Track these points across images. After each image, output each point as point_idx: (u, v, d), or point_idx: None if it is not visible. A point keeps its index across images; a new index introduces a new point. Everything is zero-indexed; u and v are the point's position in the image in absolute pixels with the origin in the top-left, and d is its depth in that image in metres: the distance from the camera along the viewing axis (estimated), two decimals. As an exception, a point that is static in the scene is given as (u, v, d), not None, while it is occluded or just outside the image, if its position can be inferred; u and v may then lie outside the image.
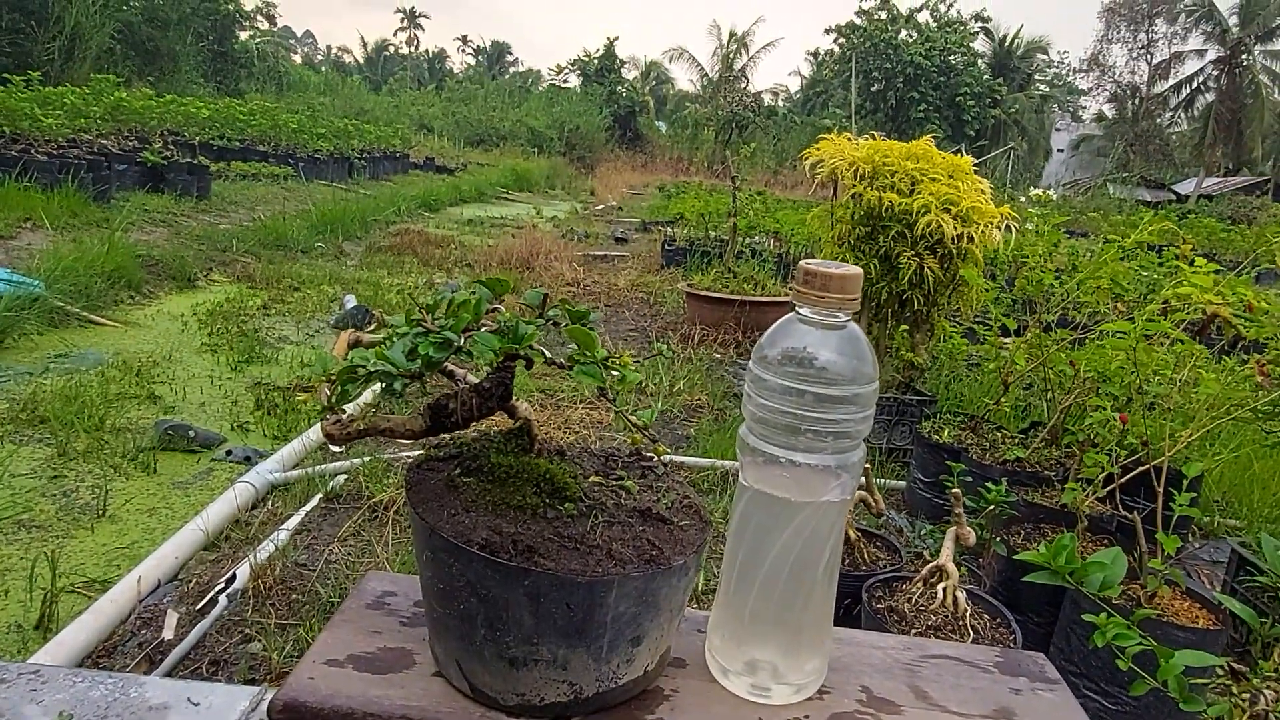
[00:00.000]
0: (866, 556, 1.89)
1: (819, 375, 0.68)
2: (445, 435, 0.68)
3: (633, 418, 0.68)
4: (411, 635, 0.74)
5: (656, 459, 0.73)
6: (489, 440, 0.73)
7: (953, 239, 3.93)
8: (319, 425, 0.64)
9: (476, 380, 0.68)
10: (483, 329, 0.63)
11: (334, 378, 0.61)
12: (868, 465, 1.92)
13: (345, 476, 3.18)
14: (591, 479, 0.74)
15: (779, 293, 6.74)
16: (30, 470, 3.20)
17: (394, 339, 0.63)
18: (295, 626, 2.21)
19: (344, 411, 0.63)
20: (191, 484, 3.30)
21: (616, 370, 0.65)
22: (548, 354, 0.65)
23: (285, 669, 2.00)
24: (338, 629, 0.73)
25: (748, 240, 8.79)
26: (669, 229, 11.30)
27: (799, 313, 0.71)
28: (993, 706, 0.78)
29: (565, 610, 0.63)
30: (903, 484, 3.63)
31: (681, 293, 7.11)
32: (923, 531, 2.93)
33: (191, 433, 3.60)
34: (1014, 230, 4.11)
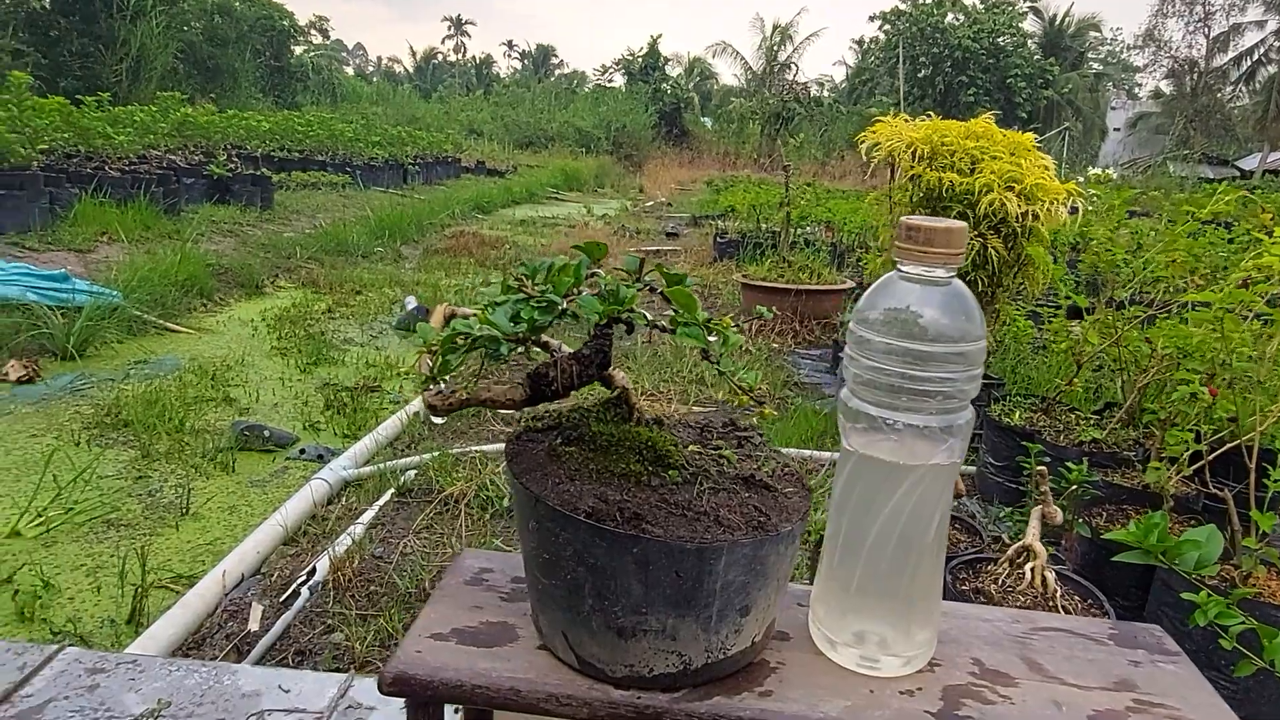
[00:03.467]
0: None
1: (923, 334, 0.66)
2: (542, 406, 0.68)
3: (739, 380, 0.66)
4: (512, 610, 0.74)
5: (758, 417, 0.71)
6: (587, 410, 0.72)
7: (1017, 217, 3.81)
8: (424, 397, 0.64)
9: (571, 351, 0.68)
10: (583, 293, 0.62)
11: (435, 348, 0.61)
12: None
13: (415, 471, 3.23)
14: (690, 448, 0.73)
15: (834, 281, 6.65)
16: (116, 471, 3.33)
17: (493, 307, 0.63)
18: (375, 617, 2.25)
19: (445, 382, 0.64)
20: (268, 482, 3.40)
21: (718, 332, 0.64)
22: (649, 316, 0.65)
23: (369, 658, 2.04)
24: (439, 604, 0.73)
25: (799, 230, 8.68)
26: (720, 222, 11.23)
27: (901, 270, 0.69)
28: (1112, 679, 0.74)
29: (674, 578, 0.62)
30: (972, 469, 3.54)
31: (736, 284, 7.06)
32: (999, 515, 2.85)
33: (266, 433, 3.70)
34: (1079, 207, 3.97)
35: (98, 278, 5.84)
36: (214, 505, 3.12)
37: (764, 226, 9.70)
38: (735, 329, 0.65)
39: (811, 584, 0.77)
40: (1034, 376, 4.40)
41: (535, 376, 0.66)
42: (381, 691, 0.64)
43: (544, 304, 0.61)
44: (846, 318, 5.73)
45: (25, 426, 3.73)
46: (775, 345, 5.85)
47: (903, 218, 0.68)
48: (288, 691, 1.61)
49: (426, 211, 11.76)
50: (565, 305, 0.61)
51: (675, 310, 0.63)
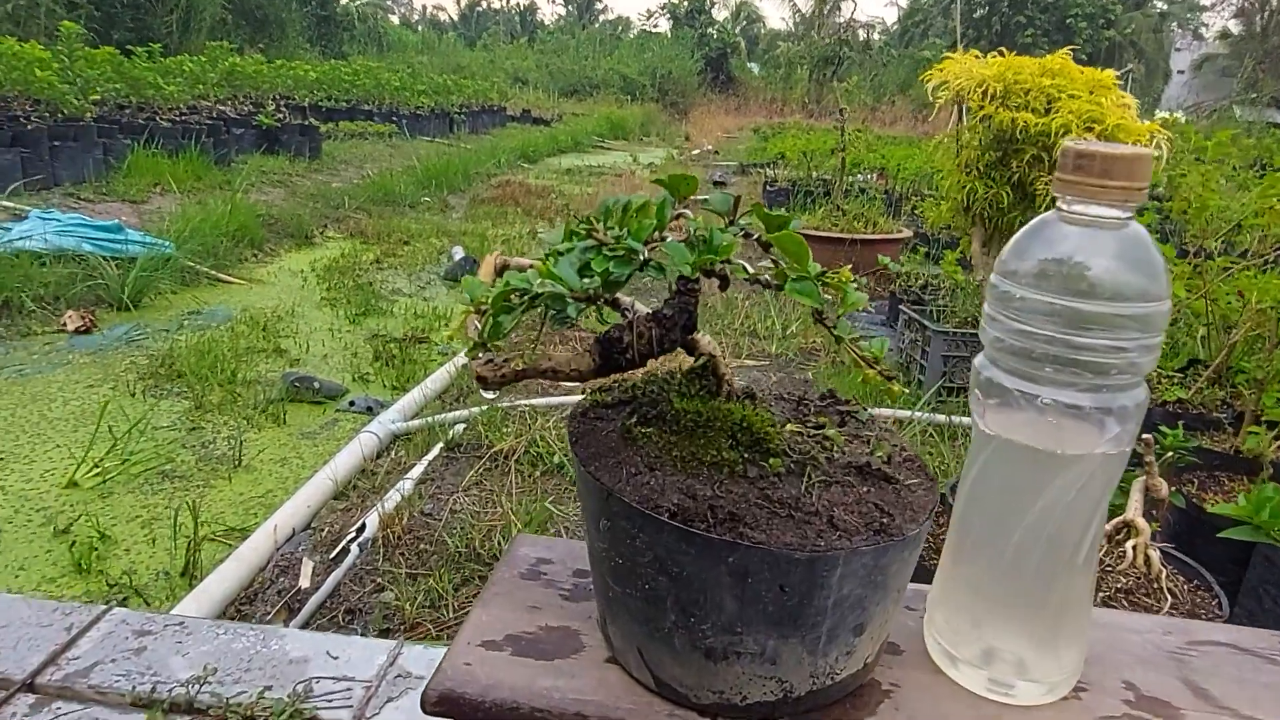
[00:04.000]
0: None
1: (1091, 291, 0.52)
2: (614, 377, 0.57)
3: (860, 349, 0.54)
4: (575, 612, 0.63)
5: (888, 397, 0.57)
6: (667, 382, 0.61)
7: (1101, 159, 3.55)
8: (472, 366, 0.53)
9: (649, 310, 0.56)
10: (668, 239, 0.50)
11: (485, 307, 0.50)
12: (1146, 436, 1.72)
13: (464, 426, 3.18)
14: (788, 427, 0.61)
15: (891, 230, 6.39)
16: (170, 423, 3.34)
17: (556, 256, 0.51)
18: (425, 576, 2.20)
19: (498, 348, 0.52)
20: (319, 434, 3.38)
21: (835, 287, 0.51)
22: (750, 268, 0.52)
23: (418, 619, 2.00)
24: (491, 604, 0.63)
25: (852, 178, 8.36)
26: (769, 170, 10.91)
27: (1064, 210, 0.55)
28: (1294, 710, 0.62)
29: (778, 593, 0.50)
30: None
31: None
32: None
33: (316, 384, 3.68)
34: (1164, 149, 3.68)
35: (151, 228, 5.89)
36: (265, 457, 3.12)
37: (815, 174, 9.37)
38: (855, 284, 0.53)
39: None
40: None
41: (606, 342, 0.55)
42: (425, 711, 0.55)
43: (620, 253, 0.49)
44: (899, 267, 5.47)
45: (82, 377, 3.77)
46: (829, 297, 5.64)
47: (1068, 143, 0.54)
48: (336, 658, 1.56)
49: (473, 161, 11.67)
50: (646, 255, 0.49)
51: (778, 261, 0.51)
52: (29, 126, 6.46)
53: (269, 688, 1.51)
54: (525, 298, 0.49)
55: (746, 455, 0.56)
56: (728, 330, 4.67)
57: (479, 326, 0.51)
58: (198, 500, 2.79)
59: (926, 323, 3.58)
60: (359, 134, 12.75)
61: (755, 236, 0.54)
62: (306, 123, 10.51)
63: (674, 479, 0.54)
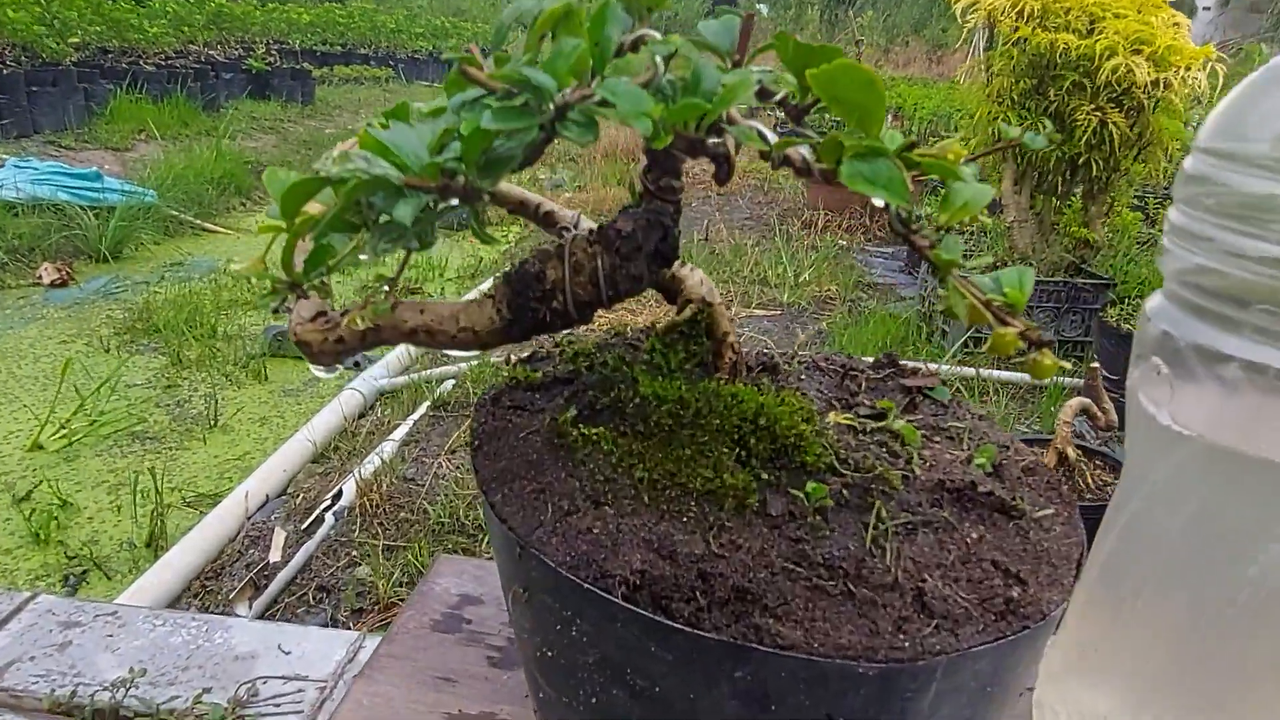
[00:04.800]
0: (1090, 481, 1.50)
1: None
2: (543, 339, 0.35)
3: (980, 291, 0.31)
4: (508, 688, 0.42)
5: (1031, 365, 0.32)
6: (634, 348, 0.39)
7: (1144, 87, 3.24)
8: (291, 327, 0.32)
9: (596, 226, 0.33)
10: (615, 80, 0.27)
11: (297, 225, 0.28)
12: (1095, 364, 1.49)
13: (453, 382, 2.98)
14: (832, 420, 0.39)
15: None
16: (145, 380, 3.17)
17: (403, 122, 0.29)
18: (404, 549, 2.02)
19: (325, 293, 0.31)
20: (302, 391, 3.21)
21: (936, 169, 0.29)
22: (771, 135, 0.30)
23: (393, 599, 1.81)
24: (381, 672, 0.43)
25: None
26: (777, 113, 10.54)
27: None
28: None
29: (826, 724, 0.29)
30: (1078, 381, 3.13)
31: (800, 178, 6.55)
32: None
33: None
34: (1220, 76, 3.37)
35: (134, 176, 5.66)
36: (244, 416, 2.94)
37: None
38: (977, 172, 0.30)
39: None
40: (1147, 276, 3.88)
41: (519, 281, 0.33)
42: None
43: (514, 102, 0.27)
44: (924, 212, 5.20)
45: (56, 332, 3.59)
46: (843, 243, 5.37)
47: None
48: (288, 653, 1.36)
49: (473, 105, 11.33)
50: (566, 99, 0.27)
51: (828, 130, 0.28)
52: (4, 71, 6.18)
53: (208, 690, 1.31)
54: (349, 191, 0.27)
55: (765, 476, 0.33)
56: (735, 278, 4.43)
57: (291, 257, 0.30)
58: (169, 464, 2.62)
59: (951, 267, 3.33)
60: (354, 79, 12.39)
61: (781, 98, 0.32)
62: (299, 67, 10.17)
63: (637, 521, 0.32)
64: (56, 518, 2.28)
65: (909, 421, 0.40)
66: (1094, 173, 3.40)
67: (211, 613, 1.91)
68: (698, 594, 0.30)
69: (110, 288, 4.22)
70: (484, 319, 0.33)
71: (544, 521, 0.32)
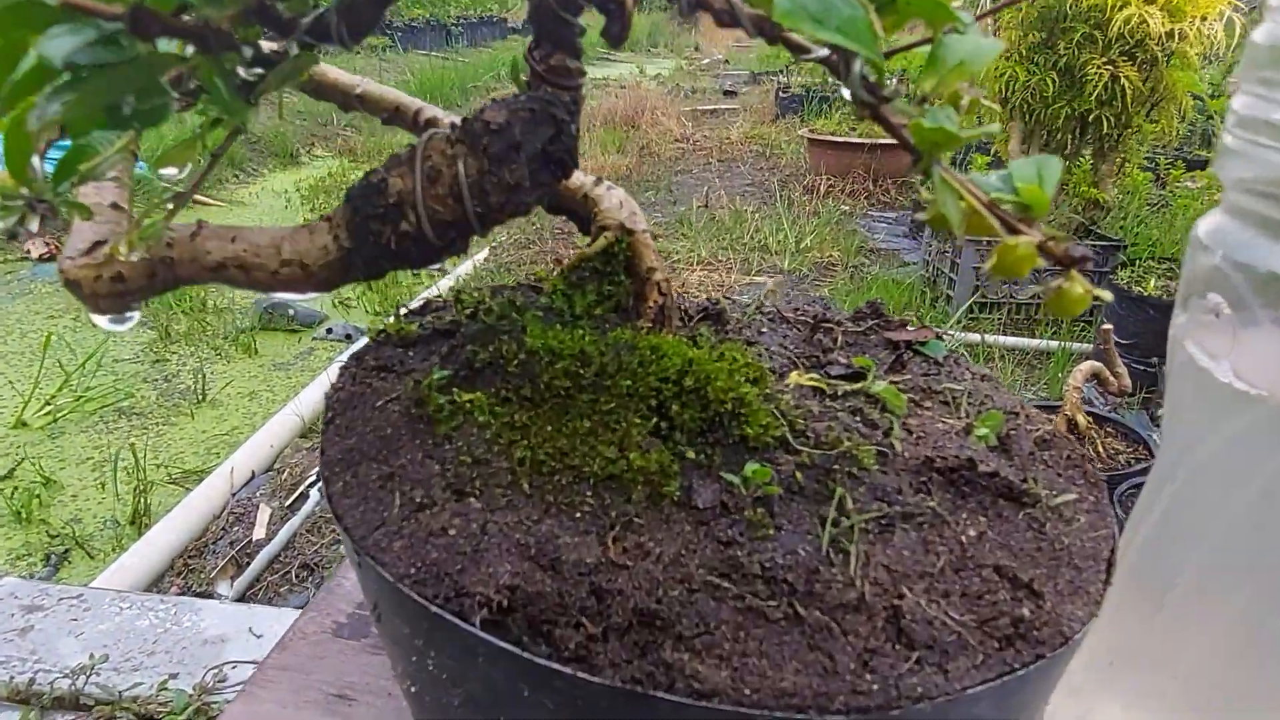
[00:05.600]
0: (1102, 450, 1.43)
1: None
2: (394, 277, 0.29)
3: (978, 189, 0.23)
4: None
5: (1055, 298, 0.24)
6: (532, 290, 0.32)
7: (1158, 39, 3.12)
8: (63, 266, 0.25)
9: (452, 122, 0.26)
10: None
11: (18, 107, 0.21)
12: (1106, 325, 1.42)
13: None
14: (793, 381, 0.31)
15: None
16: (133, 355, 3.12)
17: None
18: (389, 525, 1.96)
19: (85, 214, 0.24)
20: (292, 365, 3.16)
21: (902, 4, 0.21)
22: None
23: (377, 577, 1.77)
24: (268, 686, 0.36)
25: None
26: (782, 78, 10.36)
27: None
28: None
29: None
30: (1087, 347, 3.05)
31: (801, 141, 6.43)
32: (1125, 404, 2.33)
33: (291, 311, 3.45)
34: (1238, 23, 3.24)
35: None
36: (233, 391, 2.89)
37: (831, 80, 8.81)
38: (973, 23, 0.23)
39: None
40: (1159, 238, 3.77)
41: (359, 194, 0.26)
42: None
43: None
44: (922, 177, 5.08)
45: (44, 307, 3.54)
46: (845, 208, 5.27)
47: None
48: (260, 636, 1.31)
49: (471, 74, 11.15)
50: None
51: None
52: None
53: (174, 675, 1.27)
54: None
55: (692, 455, 0.26)
56: (736, 245, 4.34)
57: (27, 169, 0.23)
58: (156, 440, 2.58)
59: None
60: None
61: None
62: (292, 35, 10.04)
63: (511, 518, 0.25)
64: (39, 496, 2.24)
65: (893, 383, 0.33)
66: (1104, 130, 3.28)
67: (194, 592, 1.87)
68: (588, 619, 0.23)
69: (99, 262, 4.16)
70: (315, 248, 0.26)
71: (388, 519, 0.25)
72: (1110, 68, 3.10)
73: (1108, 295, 0.25)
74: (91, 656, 1.22)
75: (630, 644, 0.23)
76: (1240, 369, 0.31)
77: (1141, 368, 2.61)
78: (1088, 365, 1.33)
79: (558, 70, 0.26)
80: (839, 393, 0.32)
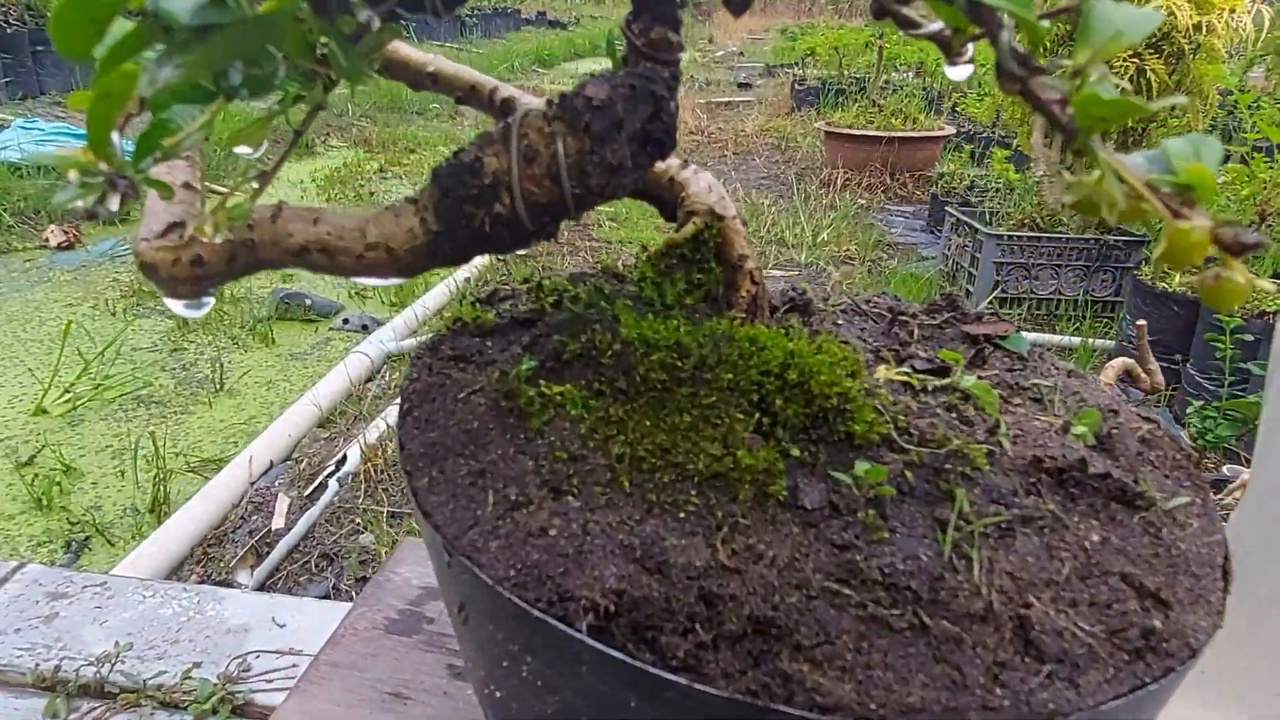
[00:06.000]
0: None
1: None
2: (483, 262, 0.27)
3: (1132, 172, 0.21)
4: (471, 704, 0.35)
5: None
6: (616, 278, 0.31)
7: (1185, 31, 3.07)
8: (137, 247, 0.24)
9: (551, 99, 0.24)
10: None
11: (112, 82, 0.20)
12: (1140, 321, 1.39)
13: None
14: (882, 376, 0.30)
15: (931, 127, 5.88)
16: (151, 344, 3.14)
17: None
18: (408, 516, 1.96)
19: (167, 193, 0.23)
20: (309, 355, 3.17)
21: None
22: None
23: (396, 567, 1.76)
24: (322, 684, 0.35)
25: (886, 77, 7.77)
26: (797, 70, 10.29)
27: None
28: None
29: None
30: (1109, 343, 3.01)
31: (818, 134, 6.38)
32: (1200, 412, 2.22)
33: (308, 301, 3.46)
34: (1266, 16, 3.19)
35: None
36: (250, 380, 2.90)
37: (847, 72, 8.75)
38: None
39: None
40: (1181, 232, 3.71)
41: (450, 177, 0.25)
42: None
43: None
44: (946, 169, 5.03)
45: (62, 295, 3.56)
46: (863, 201, 5.23)
47: None
48: (283, 626, 1.31)
49: (485, 65, 11.15)
50: None
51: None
52: (9, 31, 6.09)
53: (198, 664, 1.27)
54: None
55: (797, 453, 0.24)
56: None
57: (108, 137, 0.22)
58: (174, 428, 2.60)
59: (978, 225, 3.20)
60: (365, 38, 12.26)
61: None
62: (307, 25, 10.07)
63: (613, 518, 0.24)
64: (59, 483, 2.26)
65: (981, 378, 0.31)
66: (1128, 124, 3.24)
67: (213, 581, 1.87)
68: (699, 625, 0.21)
69: (117, 250, 4.18)
70: (402, 231, 0.25)
71: (481, 517, 0.24)
72: (1136, 60, 3.06)
73: (1270, 286, 0.23)
74: (116, 644, 1.22)
75: (744, 653, 0.22)
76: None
77: (1165, 364, 2.58)
78: (1119, 362, 1.31)
79: (658, 44, 0.25)
80: (929, 387, 0.30)
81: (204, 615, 1.33)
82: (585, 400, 0.26)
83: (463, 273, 3.60)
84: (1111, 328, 3.14)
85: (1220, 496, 1.21)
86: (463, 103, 0.30)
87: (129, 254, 4.04)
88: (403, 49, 0.39)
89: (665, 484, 0.25)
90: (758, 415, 0.26)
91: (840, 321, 0.35)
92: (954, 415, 0.29)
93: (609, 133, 0.23)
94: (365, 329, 3.36)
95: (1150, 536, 0.27)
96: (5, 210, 4.19)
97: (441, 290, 3.52)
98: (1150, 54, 3.11)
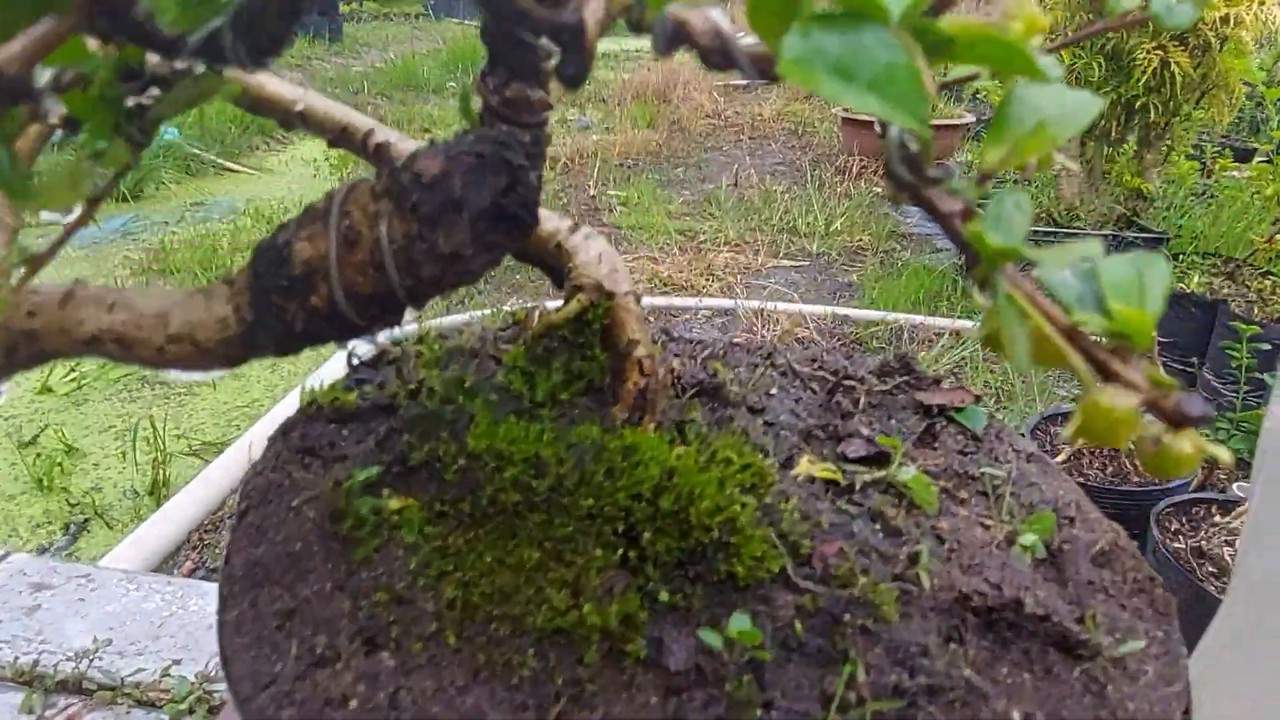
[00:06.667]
0: (1141, 463, 1.36)
1: None
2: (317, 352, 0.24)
3: (1053, 306, 0.18)
4: None
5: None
6: (493, 358, 0.27)
7: (1212, 23, 2.98)
8: None
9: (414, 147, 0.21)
10: None
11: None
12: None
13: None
14: (803, 471, 0.26)
15: (952, 114, 5.77)
16: (157, 324, 3.15)
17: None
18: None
19: None
20: (299, 356, 3.18)
21: (962, 48, 0.16)
22: None
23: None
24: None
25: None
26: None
27: None
28: None
29: None
30: (1123, 343, 2.95)
31: (835, 120, 6.28)
32: (1213, 425, 2.19)
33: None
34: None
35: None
36: (255, 363, 2.90)
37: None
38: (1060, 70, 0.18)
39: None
40: (1203, 230, 3.64)
41: (266, 257, 0.22)
42: None
43: None
44: (965, 158, 4.94)
45: (73, 272, 3.57)
46: (879, 190, 5.15)
47: None
48: (266, 622, 1.30)
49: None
50: None
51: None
52: (25, 3, 6.11)
53: (177, 661, 1.26)
54: None
55: (666, 597, 0.21)
56: (764, 226, 4.26)
57: None
58: (178, 410, 2.60)
59: (992, 219, 3.13)
60: (383, 15, 12.21)
61: None
62: (327, 2, 10.00)
63: (429, 684, 0.20)
64: (60, 464, 2.27)
65: (923, 468, 0.28)
66: (1152, 118, 3.15)
67: (207, 569, 1.87)
68: None
69: (130, 227, 4.20)
70: (212, 321, 0.22)
71: (280, 674, 0.21)
72: (1160, 53, 2.97)
73: (1225, 455, 0.20)
74: (95, 640, 1.22)
75: None
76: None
77: (1181, 368, 2.53)
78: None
79: (516, 103, 0.22)
80: (857, 485, 0.27)
81: (187, 610, 1.32)
82: (424, 523, 0.23)
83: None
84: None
85: (1228, 520, 1.17)
86: (335, 145, 0.28)
87: (142, 230, 4.05)
88: (270, 85, 0.36)
89: (500, 639, 0.22)
90: (622, 549, 0.23)
91: (773, 392, 0.32)
92: (879, 527, 0.26)
93: (443, 214, 0.20)
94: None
95: (1092, 696, 0.23)
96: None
97: (448, 275, 3.51)
98: (1175, 47, 3.02)
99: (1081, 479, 1.28)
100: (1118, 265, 0.17)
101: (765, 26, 0.15)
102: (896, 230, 4.34)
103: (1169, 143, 3.33)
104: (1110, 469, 1.23)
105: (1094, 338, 0.17)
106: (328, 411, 0.29)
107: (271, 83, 0.35)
